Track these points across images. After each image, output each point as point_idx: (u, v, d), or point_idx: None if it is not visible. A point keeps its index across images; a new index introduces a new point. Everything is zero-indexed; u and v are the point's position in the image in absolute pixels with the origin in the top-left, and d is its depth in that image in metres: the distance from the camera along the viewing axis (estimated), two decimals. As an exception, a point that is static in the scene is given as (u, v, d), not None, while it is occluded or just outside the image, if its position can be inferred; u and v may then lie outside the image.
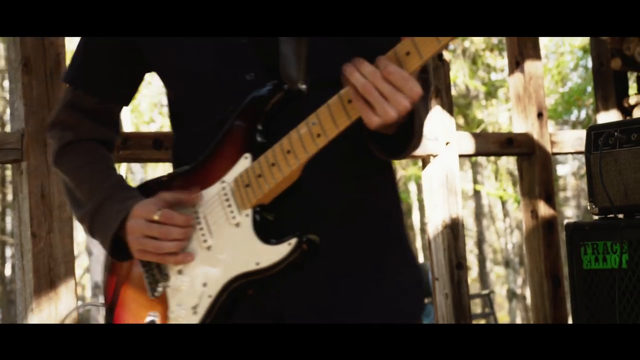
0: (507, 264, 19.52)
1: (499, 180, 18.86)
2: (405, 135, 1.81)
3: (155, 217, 1.85)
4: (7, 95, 18.59)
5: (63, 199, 3.54)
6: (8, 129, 19.50)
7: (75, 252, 3.76)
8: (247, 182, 1.82)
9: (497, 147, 5.10)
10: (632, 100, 5.57)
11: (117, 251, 1.95)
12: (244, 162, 1.84)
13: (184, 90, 2.01)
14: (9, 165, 3.80)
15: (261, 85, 1.84)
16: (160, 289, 1.93)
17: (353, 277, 1.93)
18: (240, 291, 1.85)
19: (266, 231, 1.82)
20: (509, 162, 18.66)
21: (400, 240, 2.04)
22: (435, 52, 1.65)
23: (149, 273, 1.95)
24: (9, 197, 19.99)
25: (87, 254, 15.61)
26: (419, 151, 4.84)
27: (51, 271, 3.54)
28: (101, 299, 2.00)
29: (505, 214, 20.87)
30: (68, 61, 2.33)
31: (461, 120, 17.04)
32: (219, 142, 1.89)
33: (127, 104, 2.16)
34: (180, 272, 1.90)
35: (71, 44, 10.56)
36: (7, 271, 19.91)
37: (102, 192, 1.97)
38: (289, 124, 1.80)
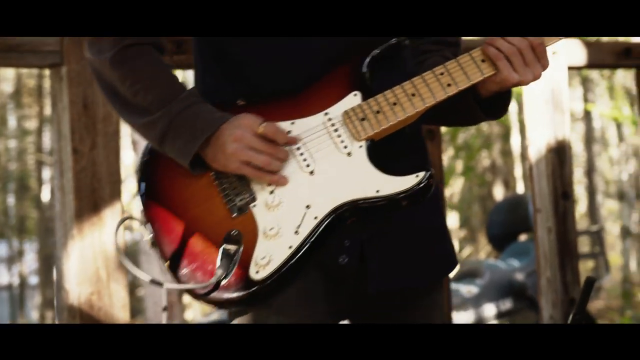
0: (621, 196, 19.24)
1: (614, 98, 18.51)
2: (505, 97, 2.33)
3: (261, 130, 2.13)
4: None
5: (109, 110, 3.54)
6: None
7: (123, 176, 3.78)
8: (363, 116, 2.21)
9: (612, 58, 4.99)
10: None
11: (197, 161, 2.15)
12: (354, 99, 2.23)
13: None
14: (47, 72, 3.82)
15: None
16: (243, 206, 2.17)
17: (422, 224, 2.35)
18: (343, 219, 2.18)
19: (383, 164, 2.19)
20: (626, 78, 18.29)
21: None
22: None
23: (229, 190, 2.18)
24: (47, 110, 20.31)
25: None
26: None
27: (95, 192, 3.59)
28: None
29: (621, 138, 20.51)
30: None
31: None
32: (321, 77, 2.24)
33: None
34: (272, 192, 2.18)
35: None
36: (45, 196, 20.32)
37: (184, 99, 2.16)
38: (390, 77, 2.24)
